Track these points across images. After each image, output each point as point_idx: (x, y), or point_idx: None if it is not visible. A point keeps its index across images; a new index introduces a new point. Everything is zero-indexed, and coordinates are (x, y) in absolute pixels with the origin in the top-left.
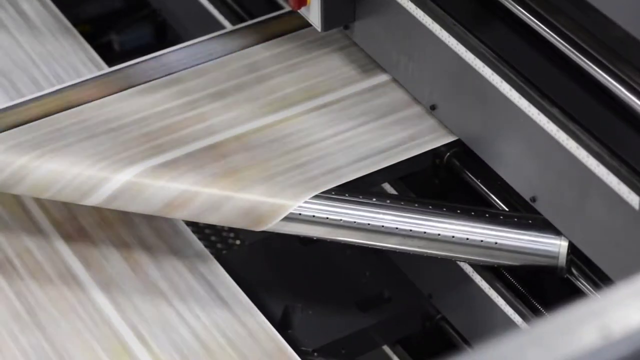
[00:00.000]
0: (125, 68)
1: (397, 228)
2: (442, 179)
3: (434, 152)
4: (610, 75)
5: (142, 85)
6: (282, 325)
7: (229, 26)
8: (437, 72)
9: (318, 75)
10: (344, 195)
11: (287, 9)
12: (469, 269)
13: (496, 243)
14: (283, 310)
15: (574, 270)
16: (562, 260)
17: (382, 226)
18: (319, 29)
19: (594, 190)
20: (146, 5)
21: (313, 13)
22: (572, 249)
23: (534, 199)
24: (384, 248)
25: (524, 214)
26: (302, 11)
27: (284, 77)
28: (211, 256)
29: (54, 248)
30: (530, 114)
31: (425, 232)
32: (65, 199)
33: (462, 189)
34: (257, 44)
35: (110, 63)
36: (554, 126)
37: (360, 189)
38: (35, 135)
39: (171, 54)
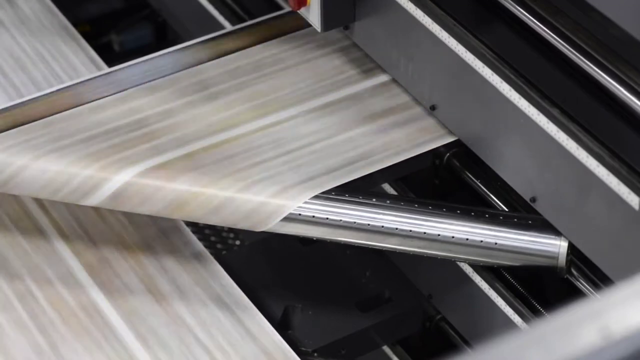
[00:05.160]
0: (124, 69)
1: (397, 228)
2: (442, 180)
3: (434, 153)
4: (610, 76)
5: (137, 87)
6: (282, 326)
7: (228, 26)
8: (437, 73)
9: (318, 75)
10: (344, 196)
11: (287, 9)
12: (469, 269)
13: (496, 243)
14: (283, 310)
15: (573, 271)
16: (562, 261)
17: (382, 226)
18: (319, 29)
19: (593, 190)
20: (146, 5)
21: (313, 13)
22: (572, 249)
23: (533, 200)
24: (383, 248)
25: (523, 215)
26: (302, 11)
27: (284, 77)
28: (211, 256)
29: (76, 278)
30: (530, 114)
31: (425, 233)
32: (66, 200)
33: (462, 189)
34: (257, 44)
35: (110, 63)
36: (554, 127)
37: (360, 189)
38: (35, 135)
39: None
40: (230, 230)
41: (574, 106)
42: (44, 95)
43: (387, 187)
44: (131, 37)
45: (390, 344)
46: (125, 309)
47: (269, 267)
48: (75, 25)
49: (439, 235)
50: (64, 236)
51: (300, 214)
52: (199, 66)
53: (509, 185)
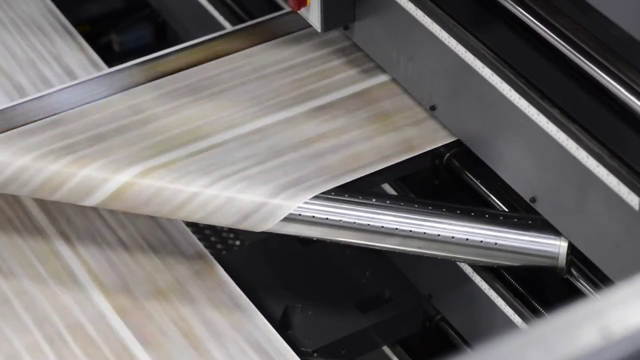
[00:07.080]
0: (125, 69)
1: (396, 229)
2: (441, 180)
3: (434, 153)
4: (610, 76)
5: (139, 87)
6: (282, 326)
7: (228, 27)
8: (437, 73)
9: (318, 76)
10: (344, 196)
11: (287, 9)
12: (468, 270)
13: (496, 244)
14: (283, 310)
15: (573, 271)
16: (562, 261)
17: (382, 227)
18: (319, 30)
19: (593, 190)
20: (146, 5)
21: (313, 14)
22: (572, 249)
23: (533, 200)
24: (383, 249)
25: (523, 215)
26: (302, 12)
27: (285, 78)
28: (211, 257)
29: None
30: (529, 114)
31: (425, 233)
32: (65, 200)
33: (462, 189)
34: (257, 44)
35: (110, 63)
36: (554, 127)
37: (360, 190)
38: (35, 136)
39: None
40: (230, 230)
41: (574, 106)
42: (43, 95)
43: (387, 187)
44: (131, 37)
45: (390, 344)
46: (126, 310)
47: (269, 267)
48: (75, 25)
49: (438, 235)
50: (64, 236)
51: (300, 214)
52: (199, 67)
53: (509, 186)
